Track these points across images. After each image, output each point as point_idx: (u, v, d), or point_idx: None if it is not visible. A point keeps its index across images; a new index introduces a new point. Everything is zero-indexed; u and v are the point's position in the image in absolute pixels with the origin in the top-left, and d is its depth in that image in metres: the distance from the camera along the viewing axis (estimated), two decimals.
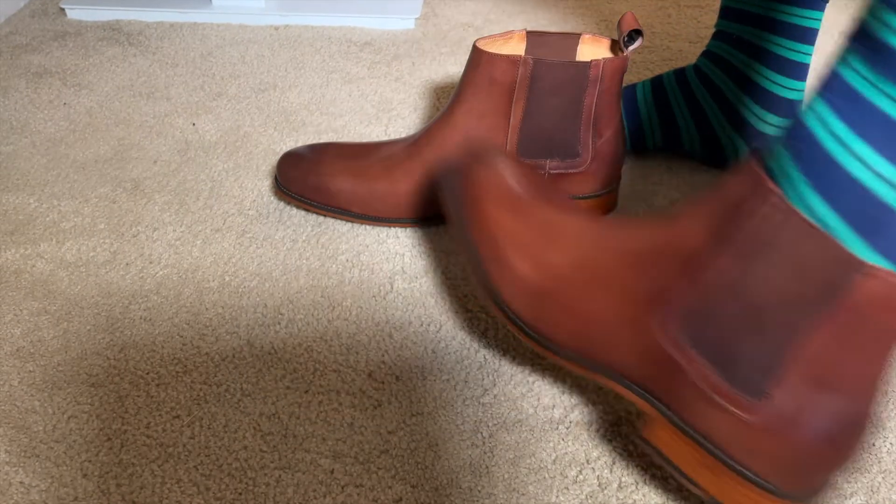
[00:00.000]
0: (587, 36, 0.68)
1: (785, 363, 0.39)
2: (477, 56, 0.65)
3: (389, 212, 0.70)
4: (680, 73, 0.79)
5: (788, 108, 0.75)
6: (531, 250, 0.49)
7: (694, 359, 0.42)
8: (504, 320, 0.51)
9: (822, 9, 0.71)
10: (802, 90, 0.74)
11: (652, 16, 1.11)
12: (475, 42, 0.67)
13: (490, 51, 0.67)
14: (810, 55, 0.73)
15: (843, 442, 0.39)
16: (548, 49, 0.68)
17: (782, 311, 0.39)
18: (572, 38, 0.68)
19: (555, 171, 0.69)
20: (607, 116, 0.68)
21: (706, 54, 0.78)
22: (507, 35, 0.68)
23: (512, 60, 0.64)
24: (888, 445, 0.55)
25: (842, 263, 0.37)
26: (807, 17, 0.71)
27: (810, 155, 0.38)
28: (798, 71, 0.73)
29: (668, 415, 0.44)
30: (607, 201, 0.73)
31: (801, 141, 0.39)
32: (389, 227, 0.73)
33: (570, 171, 0.70)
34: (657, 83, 0.80)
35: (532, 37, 0.68)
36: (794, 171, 0.39)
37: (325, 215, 0.73)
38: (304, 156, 0.71)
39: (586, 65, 0.64)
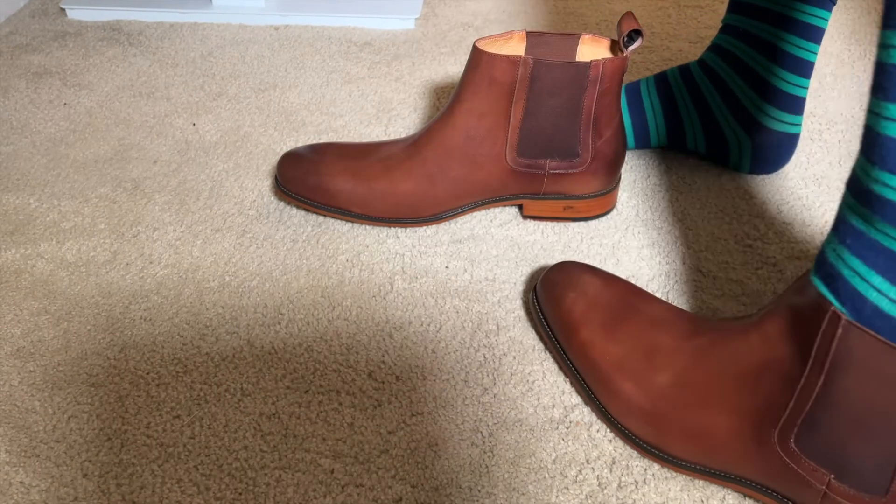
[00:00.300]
0: (587, 36, 0.68)
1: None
2: (477, 56, 0.65)
3: (389, 212, 0.70)
4: (685, 70, 0.79)
5: (793, 104, 0.75)
6: (634, 372, 0.53)
7: (812, 467, 0.45)
8: (621, 437, 0.55)
9: (829, 9, 0.71)
10: (806, 87, 0.74)
11: (652, 16, 1.11)
12: (475, 42, 0.67)
13: (490, 51, 0.67)
14: (815, 53, 0.73)
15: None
16: (548, 49, 0.68)
17: (879, 417, 0.41)
18: (572, 39, 0.68)
19: (554, 171, 0.69)
20: (607, 116, 0.68)
21: (712, 48, 0.78)
22: (507, 35, 0.68)
23: (512, 61, 0.64)
24: None
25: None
26: (814, 16, 0.71)
27: (843, 289, 0.42)
28: (803, 68, 0.73)
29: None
30: (607, 201, 0.73)
31: (830, 276, 0.43)
32: (389, 227, 0.73)
33: (569, 171, 0.70)
34: (661, 80, 0.80)
35: (532, 37, 0.68)
36: (835, 301, 0.43)
37: (325, 215, 0.73)
38: (304, 156, 0.71)
39: (586, 65, 0.64)
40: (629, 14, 0.65)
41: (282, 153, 0.83)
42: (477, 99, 0.66)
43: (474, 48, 0.65)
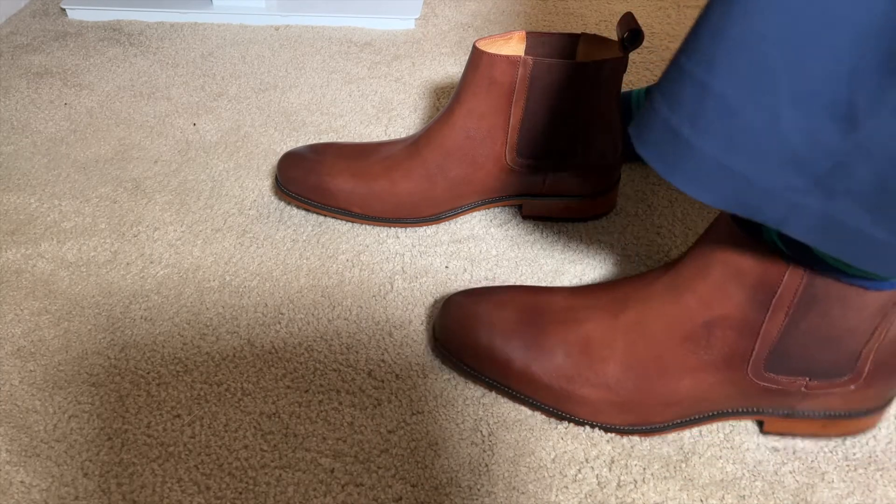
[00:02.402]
0: (587, 36, 0.68)
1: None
2: (477, 57, 0.65)
3: (389, 212, 0.71)
4: None
5: None
6: (584, 375, 0.54)
7: (789, 380, 0.52)
8: (605, 430, 0.56)
9: None
10: None
11: (652, 16, 1.11)
12: (475, 43, 0.67)
13: (490, 51, 0.67)
14: None
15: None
16: (547, 49, 0.69)
17: (843, 330, 0.49)
18: (572, 39, 0.68)
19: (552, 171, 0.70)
20: (607, 116, 0.68)
21: None
22: (506, 35, 0.68)
23: (511, 61, 0.64)
24: (882, 444, 0.55)
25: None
26: None
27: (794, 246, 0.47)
28: None
29: (783, 414, 0.54)
30: (606, 201, 0.73)
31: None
32: (389, 227, 0.73)
33: (567, 170, 0.70)
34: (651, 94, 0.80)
35: (532, 37, 0.68)
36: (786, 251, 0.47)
37: (325, 215, 0.74)
38: (305, 156, 0.71)
39: (585, 65, 0.64)
40: (629, 14, 0.65)
41: (282, 153, 0.83)
42: (477, 99, 0.66)
43: (474, 48, 0.65)
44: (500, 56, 0.64)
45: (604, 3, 1.14)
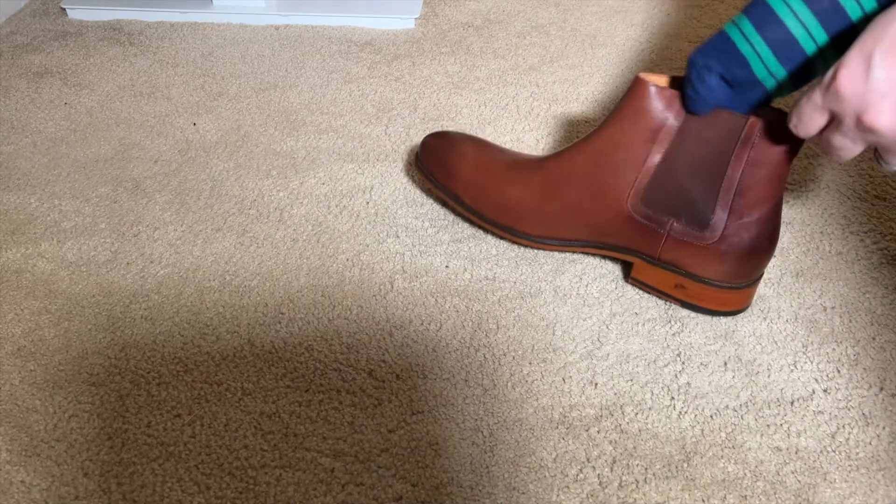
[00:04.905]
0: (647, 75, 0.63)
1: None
2: (635, 84, 0.60)
3: (494, 213, 0.68)
4: None
5: None
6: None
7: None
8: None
9: None
10: None
11: (652, 15, 1.11)
12: (638, 74, 0.62)
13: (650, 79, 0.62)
14: None
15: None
16: None
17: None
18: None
19: (676, 236, 0.62)
20: (755, 194, 0.59)
21: None
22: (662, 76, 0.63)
23: (670, 95, 0.59)
24: (885, 444, 0.55)
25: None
26: None
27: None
28: None
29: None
30: (728, 297, 0.63)
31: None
32: (499, 232, 0.72)
33: (693, 241, 0.61)
34: None
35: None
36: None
37: (443, 199, 0.72)
38: (452, 138, 0.72)
39: (742, 119, 0.57)
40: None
41: (281, 153, 0.83)
42: (618, 126, 0.61)
43: (636, 78, 0.60)
44: (659, 88, 0.59)
45: (604, 2, 1.14)
